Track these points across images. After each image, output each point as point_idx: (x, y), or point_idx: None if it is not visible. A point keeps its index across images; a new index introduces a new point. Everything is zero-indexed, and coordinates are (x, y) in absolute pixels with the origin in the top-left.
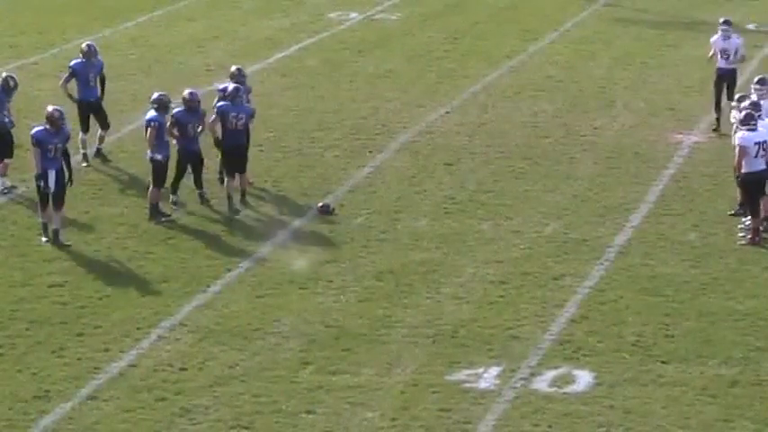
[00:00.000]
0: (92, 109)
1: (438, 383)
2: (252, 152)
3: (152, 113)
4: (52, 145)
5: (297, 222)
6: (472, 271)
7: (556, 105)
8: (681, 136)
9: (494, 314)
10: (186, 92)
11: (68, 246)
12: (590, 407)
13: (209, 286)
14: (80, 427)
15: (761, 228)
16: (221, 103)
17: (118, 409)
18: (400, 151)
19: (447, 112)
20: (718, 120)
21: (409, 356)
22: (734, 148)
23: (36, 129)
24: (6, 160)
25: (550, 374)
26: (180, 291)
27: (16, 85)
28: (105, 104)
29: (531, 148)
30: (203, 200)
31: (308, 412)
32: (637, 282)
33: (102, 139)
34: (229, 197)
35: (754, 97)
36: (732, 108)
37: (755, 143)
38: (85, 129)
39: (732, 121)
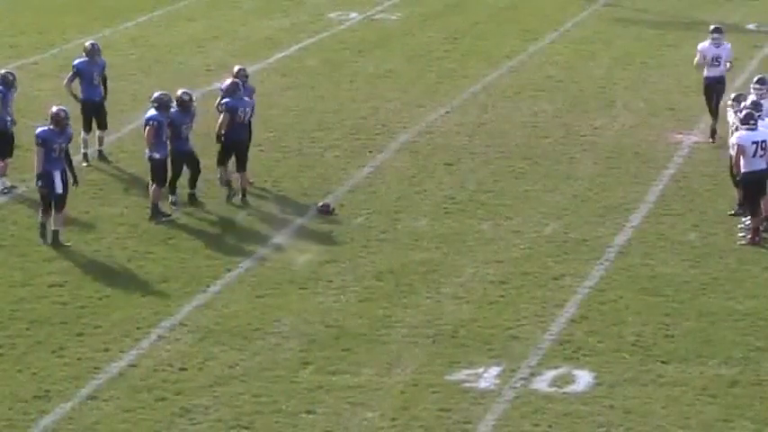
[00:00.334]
0: (95, 108)
1: (438, 383)
2: (252, 152)
3: (152, 112)
4: (57, 145)
5: (297, 222)
6: (472, 271)
7: (556, 105)
8: (681, 136)
9: (494, 314)
10: (180, 92)
11: (68, 246)
12: (590, 407)
13: (209, 286)
14: (80, 427)
15: (761, 227)
16: (227, 100)
17: (118, 409)
18: (400, 151)
19: (447, 112)
20: (713, 132)
21: (409, 356)
22: (731, 147)
23: (41, 128)
24: (6, 160)
25: (550, 374)
26: (180, 291)
27: (15, 79)
28: (106, 104)
29: (531, 148)
30: (193, 200)
31: (308, 412)
32: (637, 282)
33: (101, 140)
34: (228, 183)
35: (753, 97)
36: (729, 108)
37: (753, 142)
38: (88, 128)
39: (729, 121)
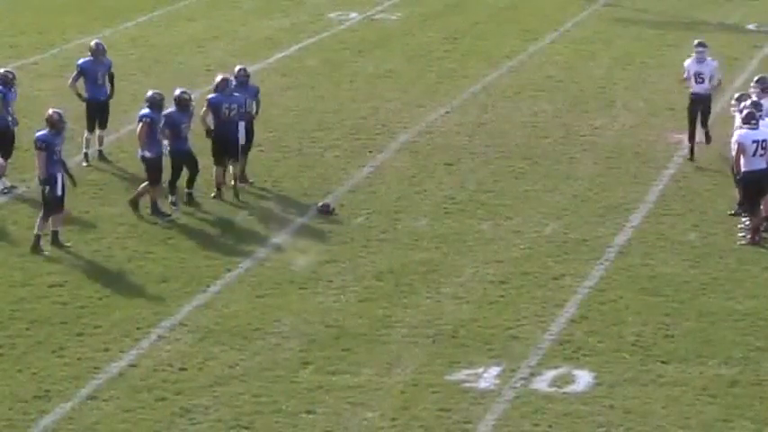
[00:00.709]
0: (99, 108)
1: (438, 383)
2: (252, 152)
3: (145, 110)
4: (57, 147)
5: (297, 222)
6: (472, 271)
7: (556, 105)
8: (681, 136)
9: (494, 314)
10: (177, 91)
11: (68, 246)
12: (590, 407)
13: (208, 286)
14: (80, 427)
15: (761, 227)
16: (212, 95)
17: (118, 408)
18: (400, 151)
19: (447, 112)
20: (692, 150)
21: (409, 356)
22: (732, 147)
23: (40, 132)
24: (7, 160)
25: (550, 374)
26: (180, 291)
27: (15, 78)
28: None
29: (530, 148)
30: (191, 200)
31: (308, 412)
32: (637, 282)
33: (101, 140)
34: (218, 186)
35: (754, 97)
36: (732, 108)
37: (753, 141)
38: (91, 128)
39: (736, 123)
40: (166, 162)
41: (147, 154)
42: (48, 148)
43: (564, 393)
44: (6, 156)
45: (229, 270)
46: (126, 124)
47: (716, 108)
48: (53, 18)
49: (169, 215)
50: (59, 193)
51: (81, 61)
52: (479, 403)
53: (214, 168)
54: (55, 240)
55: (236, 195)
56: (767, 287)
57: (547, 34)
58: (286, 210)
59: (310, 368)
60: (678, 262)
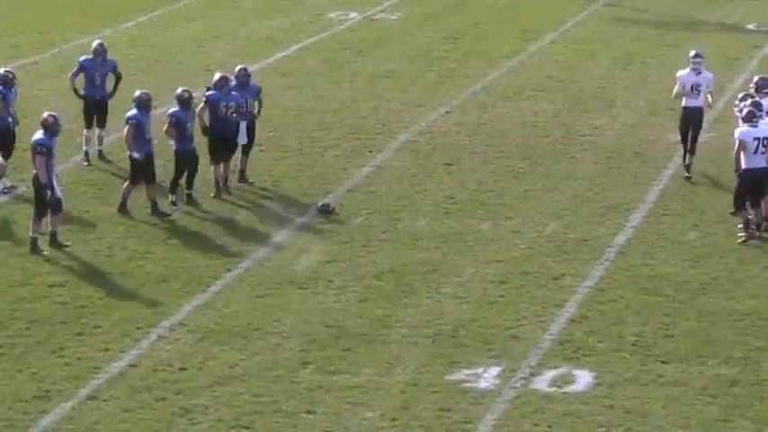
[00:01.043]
0: (96, 106)
1: (438, 383)
2: (252, 152)
3: (132, 111)
4: (55, 149)
5: (297, 222)
6: (472, 271)
7: (556, 105)
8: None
9: (494, 314)
10: (179, 90)
11: (67, 246)
12: (590, 407)
13: (209, 286)
14: (80, 427)
15: (759, 222)
16: (210, 93)
17: (118, 408)
18: (400, 151)
19: (447, 112)
20: (688, 167)
21: (409, 356)
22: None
23: (38, 137)
24: (7, 160)
25: (550, 374)
26: (180, 290)
27: (15, 78)
28: (111, 103)
29: (530, 148)
30: (190, 200)
31: (308, 412)
32: (637, 282)
33: (100, 140)
34: (216, 184)
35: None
36: (735, 108)
37: (754, 138)
38: (89, 125)
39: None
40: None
41: (135, 155)
42: (48, 152)
43: (564, 393)
44: (6, 156)
45: (229, 270)
46: (126, 124)
47: (716, 108)
48: (53, 18)
49: (169, 215)
50: (58, 194)
51: (82, 58)
52: (479, 403)
53: (212, 167)
54: (53, 241)
55: (228, 191)
56: (767, 287)
57: (547, 34)
58: (286, 209)
59: (310, 368)
60: (678, 262)
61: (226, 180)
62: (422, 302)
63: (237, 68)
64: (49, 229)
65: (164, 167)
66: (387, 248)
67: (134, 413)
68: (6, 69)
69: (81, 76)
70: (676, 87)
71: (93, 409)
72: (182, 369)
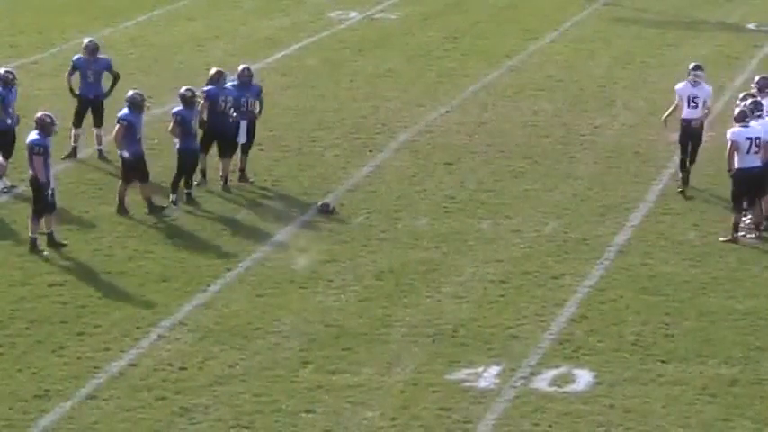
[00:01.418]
0: (90, 105)
1: (438, 383)
2: (252, 151)
3: (124, 111)
4: (50, 149)
5: (297, 222)
6: (472, 270)
7: (556, 105)
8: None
9: (494, 313)
10: (183, 89)
11: (65, 245)
12: (590, 406)
13: (209, 285)
14: (80, 427)
15: (751, 225)
16: (209, 87)
17: (118, 408)
18: (400, 150)
19: (447, 112)
20: (685, 180)
21: (409, 356)
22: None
23: (34, 137)
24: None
25: (550, 374)
26: (180, 290)
27: (15, 78)
28: (108, 103)
29: (531, 148)
30: (191, 200)
31: (308, 411)
32: (637, 281)
33: (99, 139)
34: (203, 171)
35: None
36: (736, 107)
37: (747, 138)
38: (77, 123)
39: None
40: (162, 162)
41: (126, 154)
42: (45, 151)
43: (564, 393)
44: (7, 156)
45: (229, 269)
46: (117, 124)
47: (716, 108)
48: (53, 17)
49: (165, 207)
50: (55, 194)
51: (75, 57)
52: (479, 402)
53: (202, 155)
54: (51, 241)
55: (228, 190)
56: (767, 286)
57: (547, 33)
58: (286, 209)
59: (310, 367)
60: (678, 261)
61: (226, 179)
62: (422, 302)
63: (240, 68)
64: (46, 230)
65: (164, 167)
66: (387, 248)
67: (134, 412)
68: (6, 70)
69: (77, 75)
70: (676, 100)
71: (93, 408)
72: (182, 368)
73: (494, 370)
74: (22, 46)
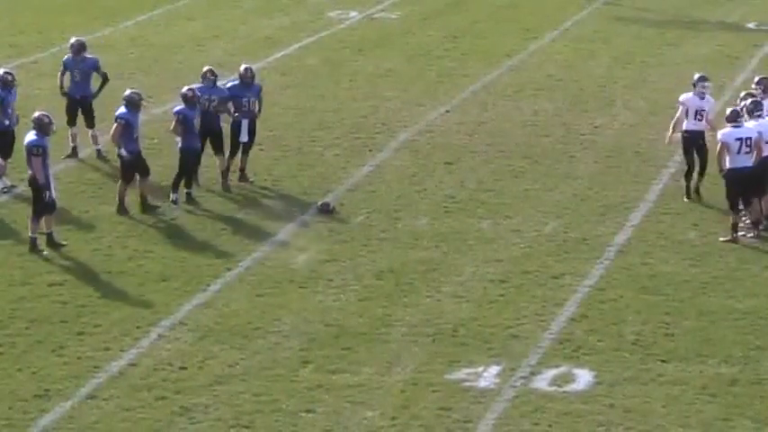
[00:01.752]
0: (78, 105)
1: (438, 382)
2: (252, 151)
3: (122, 110)
4: (49, 149)
5: (297, 221)
6: (472, 270)
7: (556, 104)
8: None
9: (494, 313)
10: (185, 89)
11: (64, 245)
12: (590, 406)
13: (209, 285)
14: (80, 426)
15: (737, 224)
16: (197, 85)
17: (118, 408)
18: (400, 150)
19: (447, 111)
20: (689, 190)
21: (409, 355)
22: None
23: (34, 137)
24: (7, 160)
25: (550, 373)
26: (180, 289)
27: (14, 79)
28: (104, 102)
29: (531, 147)
30: (191, 199)
31: (308, 411)
32: (637, 281)
33: (95, 139)
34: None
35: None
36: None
37: (736, 139)
38: (70, 122)
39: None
40: (161, 161)
41: (124, 152)
42: (43, 152)
43: (564, 392)
44: (6, 156)
45: (229, 269)
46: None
47: (716, 108)
48: (53, 17)
49: (159, 206)
50: (54, 194)
51: (65, 57)
52: (479, 402)
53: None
54: (50, 241)
55: (228, 190)
56: (767, 286)
57: (547, 33)
58: (286, 209)
59: (310, 367)
60: (678, 261)
61: (224, 174)
62: (422, 301)
63: (242, 68)
64: (45, 230)
65: (164, 166)
66: (387, 247)
67: (134, 412)
68: (5, 71)
69: (69, 76)
70: (679, 111)
71: (93, 408)
72: (182, 368)
73: (494, 370)
74: (23, 46)
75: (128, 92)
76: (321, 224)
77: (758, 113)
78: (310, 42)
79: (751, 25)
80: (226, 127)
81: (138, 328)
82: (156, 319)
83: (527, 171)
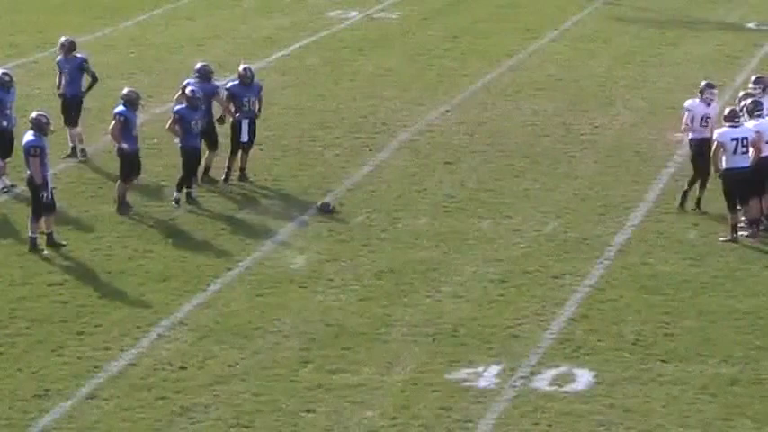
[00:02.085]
0: (67, 103)
1: (438, 382)
2: (252, 150)
3: (120, 108)
4: (47, 150)
5: (297, 221)
6: (472, 269)
7: (556, 104)
8: (681, 135)
9: (494, 313)
10: (188, 89)
11: (64, 245)
12: (590, 405)
13: (209, 285)
14: (80, 426)
15: (736, 225)
16: (189, 80)
17: (118, 407)
18: (400, 150)
19: (447, 111)
20: (691, 199)
21: (409, 355)
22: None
23: (31, 137)
24: (6, 160)
25: (550, 373)
26: (180, 289)
27: (11, 80)
28: (104, 103)
29: (531, 147)
30: (191, 199)
31: (308, 411)
32: (637, 280)
33: (80, 138)
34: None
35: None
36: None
37: (732, 139)
38: (66, 122)
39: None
40: (160, 161)
41: (125, 146)
42: (41, 152)
43: (564, 392)
44: (5, 156)
45: (229, 269)
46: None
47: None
48: (53, 17)
49: (132, 207)
50: (51, 195)
51: (57, 57)
52: (479, 402)
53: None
54: (51, 241)
55: (206, 173)
56: (767, 286)
57: (547, 33)
58: (286, 208)
59: (310, 367)
60: (678, 260)
61: (206, 170)
62: (422, 301)
63: (242, 68)
64: (45, 230)
65: (164, 166)
66: (387, 247)
67: (134, 412)
68: (3, 71)
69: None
70: (685, 117)
71: (93, 408)
72: (182, 368)
73: (494, 369)
74: (23, 45)
75: (126, 90)
76: (321, 224)
77: (758, 113)
78: (310, 42)
79: (751, 25)
80: (225, 127)
81: (138, 327)
82: (156, 319)
83: (527, 171)
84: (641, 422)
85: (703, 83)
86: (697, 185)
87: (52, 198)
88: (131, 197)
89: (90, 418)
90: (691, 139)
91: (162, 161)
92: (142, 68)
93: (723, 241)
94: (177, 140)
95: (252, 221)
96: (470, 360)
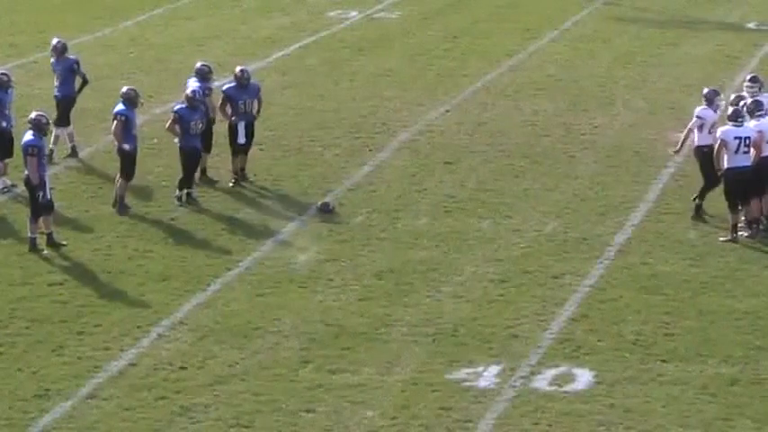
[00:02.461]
0: (58, 104)
1: (438, 382)
2: (252, 151)
3: (120, 107)
4: (45, 150)
5: (297, 221)
6: (472, 269)
7: (556, 104)
8: (681, 135)
9: (494, 313)
10: (189, 90)
11: (64, 245)
12: (590, 405)
13: (209, 285)
14: (80, 426)
15: (736, 225)
16: (190, 80)
17: (118, 407)
18: (400, 150)
19: (447, 111)
20: (701, 209)
21: (409, 355)
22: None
23: (30, 137)
24: (6, 160)
25: (550, 373)
26: (180, 289)
27: (9, 80)
28: (104, 103)
29: (531, 147)
30: (190, 199)
31: (308, 411)
32: (637, 280)
33: (71, 137)
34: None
35: (746, 95)
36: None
37: (735, 137)
38: (65, 123)
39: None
40: (158, 161)
41: (126, 146)
42: (39, 152)
43: (564, 392)
44: (5, 156)
45: (229, 269)
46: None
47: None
48: (53, 17)
49: (130, 207)
50: (49, 195)
51: (51, 60)
52: (479, 402)
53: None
54: (50, 242)
55: (203, 174)
56: (767, 286)
57: (547, 33)
58: (286, 208)
59: (310, 367)
60: (678, 260)
61: (203, 171)
62: (422, 301)
63: (238, 70)
64: (45, 230)
65: (164, 166)
66: (387, 247)
67: (134, 412)
68: (2, 72)
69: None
70: (692, 122)
71: (93, 407)
72: (182, 368)
73: (494, 369)
74: (22, 45)
75: (125, 89)
76: (321, 224)
77: (759, 113)
78: (310, 42)
79: (751, 25)
80: (223, 126)
81: (138, 327)
82: (157, 319)
83: (527, 171)
84: (641, 422)
85: (708, 90)
86: (697, 189)
87: (50, 198)
88: (129, 197)
89: (90, 418)
90: (700, 146)
91: (162, 161)
92: (142, 68)
93: (723, 241)
94: (177, 140)
95: (252, 221)
96: (470, 360)
